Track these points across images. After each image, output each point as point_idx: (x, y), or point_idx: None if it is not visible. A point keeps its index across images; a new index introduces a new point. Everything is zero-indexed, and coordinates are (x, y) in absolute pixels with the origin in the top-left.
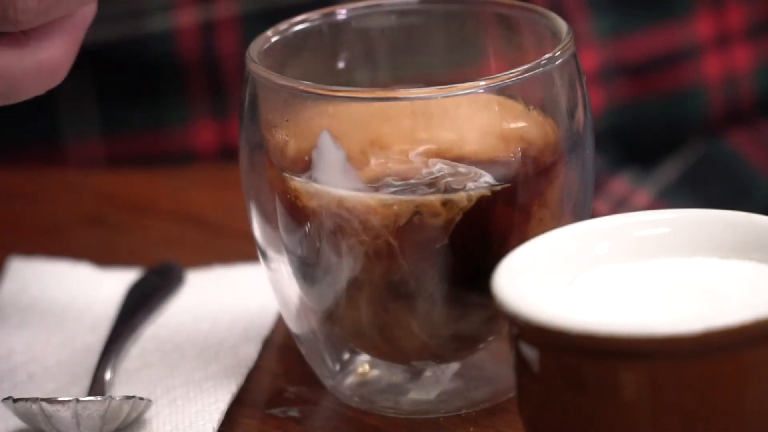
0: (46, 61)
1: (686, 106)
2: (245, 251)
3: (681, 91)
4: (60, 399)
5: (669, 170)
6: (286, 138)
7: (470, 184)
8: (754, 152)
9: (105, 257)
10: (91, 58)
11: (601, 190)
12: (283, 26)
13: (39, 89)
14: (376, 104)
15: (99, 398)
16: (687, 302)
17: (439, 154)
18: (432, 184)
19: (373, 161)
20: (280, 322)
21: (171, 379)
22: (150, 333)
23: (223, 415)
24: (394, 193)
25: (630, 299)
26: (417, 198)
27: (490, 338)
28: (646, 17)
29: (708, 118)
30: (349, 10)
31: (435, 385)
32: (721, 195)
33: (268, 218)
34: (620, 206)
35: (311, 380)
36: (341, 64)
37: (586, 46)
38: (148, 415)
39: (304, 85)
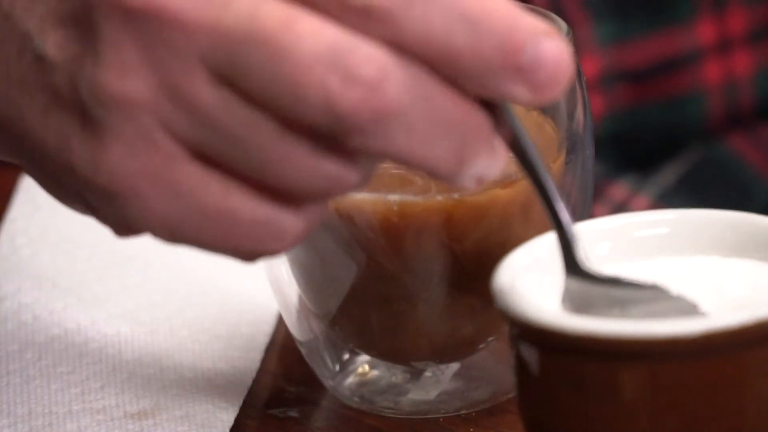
0: None
1: (686, 112)
2: None
3: (681, 96)
4: None
5: (668, 174)
6: None
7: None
8: (754, 155)
9: None
10: None
11: (600, 195)
12: None
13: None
14: None
15: None
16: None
17: None
18: (432, 185)
19: None
20: (280, 323)
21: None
22: (149, 330)
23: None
24: (394, 193)
25: None
26: (417, 199)
27: (490, 338)
28: (647, 23)
29: (708, 123)
30: None
31: (435, 385)
32: (721, 198)
33: None
34: (620, 211)
35: (311, 381)
36: None
37: (587, 52)
38: (150, 413)
39: None
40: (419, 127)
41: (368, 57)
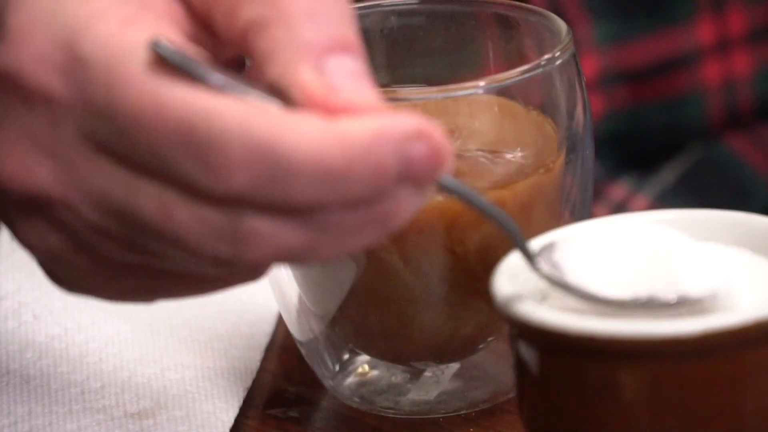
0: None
1: (685, 112)
2: None
3: (680, 96)
4: None
5: (668, 174)
6: None
7: (470, 185)
8: (753, 155)
9: None
10: None
11: (600, 195)
12: None
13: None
14: None
15: None
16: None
17: None
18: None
19: None
20: (280, 323)
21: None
22: (150, 330)
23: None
24: None
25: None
26: None
27: (490, 338)
28: (647, 23)
29: (707, 123)
30: None
31: (435, 385)
32: (720, 198)
33: None
34: (619, 211)
35: (311, 381)
36: None
37: (587, 52)
38: (150, 413)
39: None
40: (330, 248)
41: (252, 228)
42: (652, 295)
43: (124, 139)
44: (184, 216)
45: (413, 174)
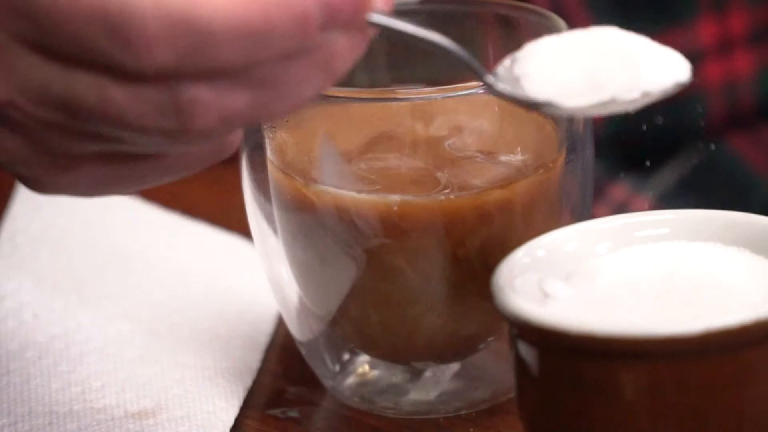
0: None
1: (686, 112)
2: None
3: (681, 96)
4: None
5: (668, 175)
6: (286, 138)
7: (470, 185)
8: (754, 155)
9: None
10: None
11: (601, 195)
12: None
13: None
14: (376, 105)
15: None
16: (687, 297)
17: (439, 156)
18: (432, 185)
19: (373, 162)
20: (280, 323)
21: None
22: (150, 330)
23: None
24: (394, 194)
25: (629, 294)
26: (418, 199)
27: (490, 338)
28: (649, 23)
29: (708, 123)
30: None
31: (435, 385)
32: (721, 198)
33: (268, 219)
34: (620, 211)
35: (311, 381)
36: None
37: None
38: (150, 413)
39: None
40: (278, 103)
41: (192, 98)
42: (614, 97)
43: (47, 34)
44: (122, 98)
45: (338, 18)
